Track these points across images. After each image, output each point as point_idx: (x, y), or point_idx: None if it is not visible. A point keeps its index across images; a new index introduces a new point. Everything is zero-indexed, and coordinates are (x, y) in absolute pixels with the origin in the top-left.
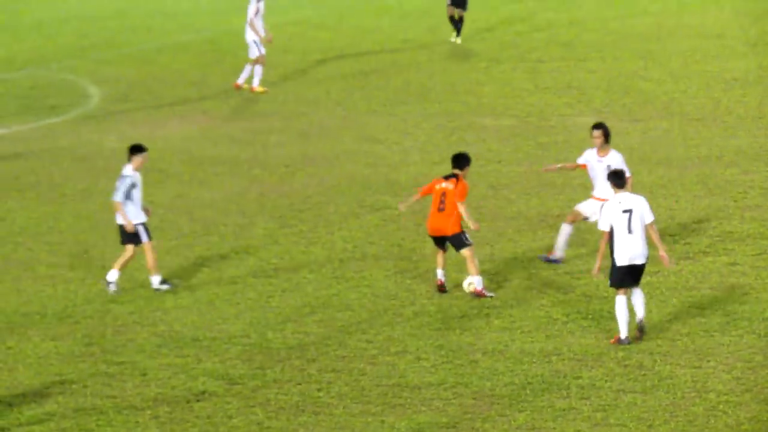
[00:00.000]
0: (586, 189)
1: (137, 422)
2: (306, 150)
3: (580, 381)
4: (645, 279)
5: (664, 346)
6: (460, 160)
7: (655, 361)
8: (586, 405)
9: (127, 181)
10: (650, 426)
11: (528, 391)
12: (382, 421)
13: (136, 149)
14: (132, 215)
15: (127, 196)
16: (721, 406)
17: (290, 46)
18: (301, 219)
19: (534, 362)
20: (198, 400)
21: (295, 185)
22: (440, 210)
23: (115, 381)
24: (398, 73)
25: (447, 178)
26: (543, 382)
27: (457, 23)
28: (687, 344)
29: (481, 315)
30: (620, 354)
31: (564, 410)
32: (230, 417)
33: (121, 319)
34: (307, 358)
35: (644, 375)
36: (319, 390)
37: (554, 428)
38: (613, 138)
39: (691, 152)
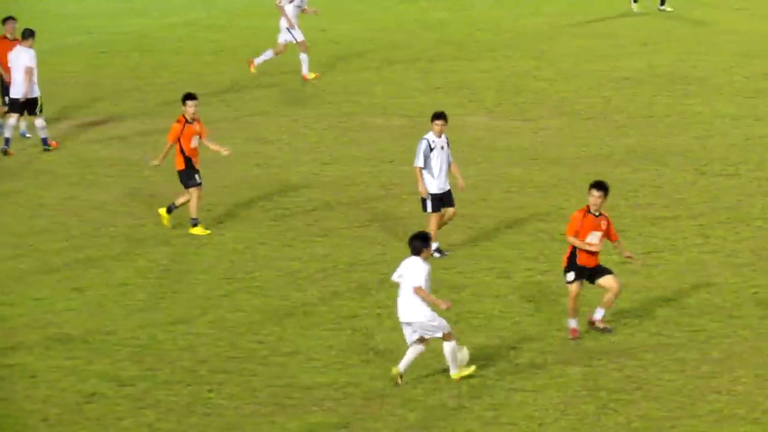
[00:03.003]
0: (476, 188)
1: (26, 424)
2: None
3: (471, 380)
4: (536, 278)
5: (554, 344)
6: None
7: (546, 360)
8: (477, 404)
9: (423, 144)
10: (541, 424)
11: (419, 391)
12: (273, 422)
13: (435, 116)
14: (428, 183)
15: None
16: (611, 405)
17: (181, 48)
18: None
19: (425, 361)
20: (88, 402)
21: None
22: None
23: (4, 383)
24: (289, 74)
25: None
26: (434, 381)
27: None
28: (578, 343)
29: (371, 315)
30: (511, 353)
31: (455, 409)
32: (120, 418)
33: (10, 322)
34: (197, 359)
35: (535, 374)
36: (209, 391)
37: (445, 427)
38: (504, 137)
39: (581, 151)
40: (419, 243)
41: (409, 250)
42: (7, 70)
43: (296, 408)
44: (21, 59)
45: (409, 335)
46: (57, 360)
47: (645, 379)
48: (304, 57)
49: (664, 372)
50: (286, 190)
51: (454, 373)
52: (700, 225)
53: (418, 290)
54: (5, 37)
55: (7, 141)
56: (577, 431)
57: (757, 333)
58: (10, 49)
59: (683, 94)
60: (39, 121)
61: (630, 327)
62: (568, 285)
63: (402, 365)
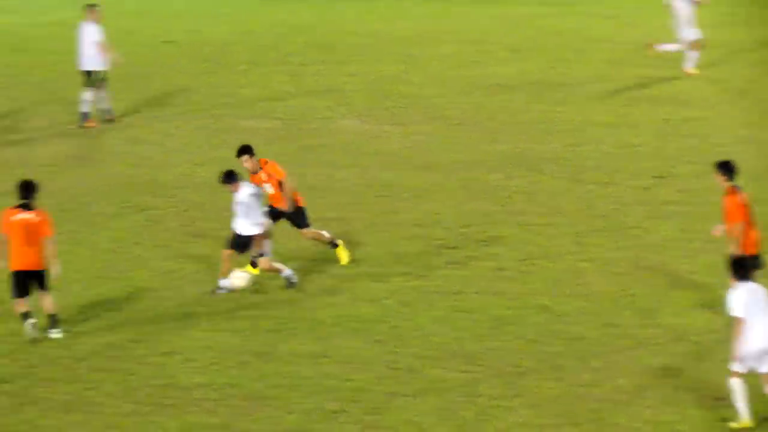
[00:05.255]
0: (348, 192)
1: None
2: (71, 150)
3: (351, 383)
4: (412, 282)
5: (432, 350)
6: None
7: (425, 365)
8: (356, 408)
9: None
10: (421, 429)
11: (298, 393)
12: (152, 421)
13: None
14: None
15: None
16: (491, 411)
17: (53, 47)
18: (65, 219)
19: (303, 364)
20: None
21: (60, 185)
22: None
23: None
24: (160, 75)
25: None
26: (313, 384)
27: None
28: (456, 348)
29: (248, 317)
30: (389, 357)
31: (335, 412)
32: (0, 415)
33: None
34: (76, 357)
35: (414, 378)
36: (88, 389)
37: (325, 430)
38: (375, 141)
39: (454, 157)
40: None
41: None
42: None
43: (175, 408)
44: (89, 34)
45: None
46: None
47: (524, 385)
48: (693, 54)
49: (543, 379)
50: (159, 190)
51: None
52: (576, 233)
53: None
54: None
55: (85, 115)
56: None
57: (636, 342)
58: None
59: (555, 102)
60: (90, 95)
61: (507, 334)
62: None
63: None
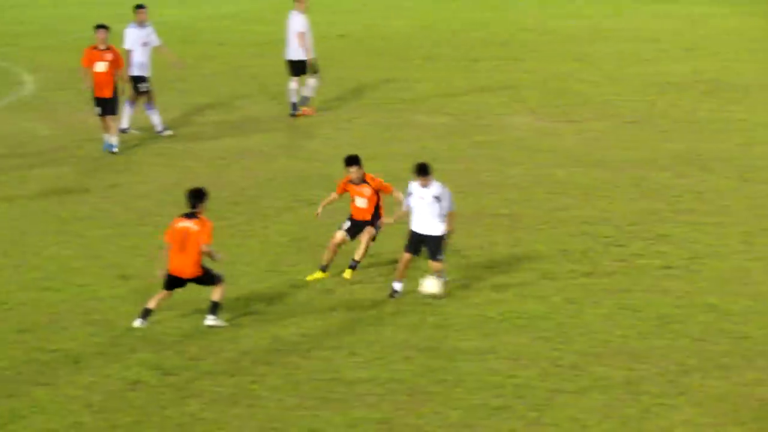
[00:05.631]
0: (519, 188)
1: (70, 410)
2: (241, 143)
3: (515, 380)
4: (579, 279)
5: (597, 347)
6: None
7: (589, 362)
8: (520, 404)
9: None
10: (584, 426)
11: (462, 389)
12: (316, 416)
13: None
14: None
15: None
16: (654, 409)
17: (225, 39)
18: (236, 212)
19: (468, 360)
20: (132, 390)
21: (230, 178)
22: None
23: (47, 368)
24: (334, 68)
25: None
26: (477, 380)
27: None
28: (620, 346)
29: (414, 312)
30: (554, 354)
31: (498, 408)
32: (164, 407)
33: (55, 307)
34: (240, 350)
35: (578, 376)
36: (252, 382)
37: (488, 426)
38: (548, 138)
39: (625, 155)
40: None
41: None
42: (94, 77)
43: (339, 402)
44: (294, 24)
45: None
46: (101, 347)
47: (688, 384)
48: None
49: (707, 378)
50: (330, 184)
51: None
52: (744, 232)
53: None
54: (96, 48)
55: (293, 105)
56: None
57: None
58: (99, 59)
59: (727, 101)
60: (311, 81)
61: (672, 332)
62: None
63: None
